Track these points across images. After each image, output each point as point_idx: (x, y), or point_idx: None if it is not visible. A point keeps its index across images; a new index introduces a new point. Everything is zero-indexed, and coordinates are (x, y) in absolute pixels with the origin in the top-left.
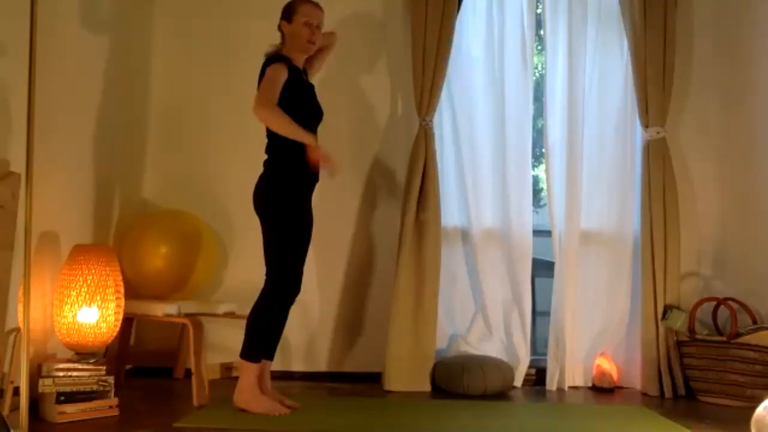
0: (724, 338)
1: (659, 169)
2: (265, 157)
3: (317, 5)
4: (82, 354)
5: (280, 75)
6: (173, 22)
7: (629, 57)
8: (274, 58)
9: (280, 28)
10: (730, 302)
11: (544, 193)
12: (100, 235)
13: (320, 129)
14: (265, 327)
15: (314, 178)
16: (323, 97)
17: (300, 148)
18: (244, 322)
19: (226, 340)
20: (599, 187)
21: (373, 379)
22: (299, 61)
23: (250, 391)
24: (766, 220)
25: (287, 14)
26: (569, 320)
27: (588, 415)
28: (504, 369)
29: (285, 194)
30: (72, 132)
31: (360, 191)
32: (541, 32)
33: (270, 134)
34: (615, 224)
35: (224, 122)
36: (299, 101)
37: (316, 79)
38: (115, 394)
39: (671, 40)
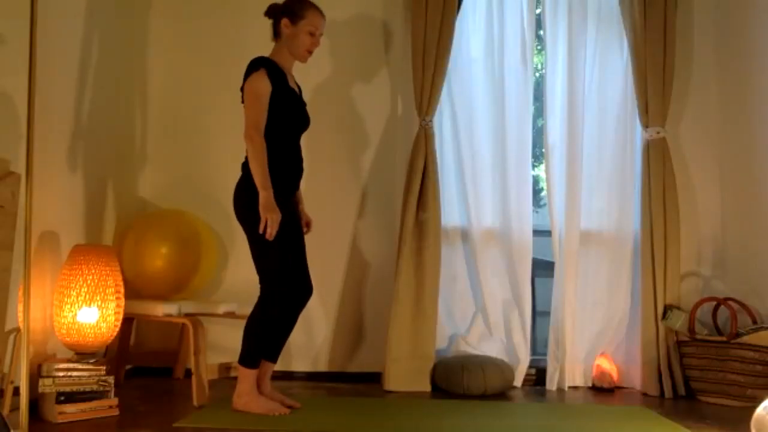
0: (724, 338)
1: (659, 169)
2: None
3: (323, 14)
4: (82, 354)
5: (262, 89)
6: (172, 22)
7: (629, 57)
8: (255, 63)
9: (278, 22)
10: (730, 302)
11: (544, 193)
12: (100, 235)
13: (320, 129)
14: (262, 334)
15: (294, 184)
16: (323, 97)
17: (278, 152)
18: (244, 323)
19: (226, 340)
20: (599, 187)
21: (373, 379)
22: (288, 63)
23: (248, 395)
24: (766, 220)
25: (292, 14)
26: (569, 320)
27: (588, 415)
28: (504, 369)
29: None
30: (72, 132)
31: (360, 191)
32: (541, 32)
33: None
34: (615, 224)
35: (224, 122)
36: (283, 108)
37: (315, 80)
38: (115, 394)
39: (671, 40)
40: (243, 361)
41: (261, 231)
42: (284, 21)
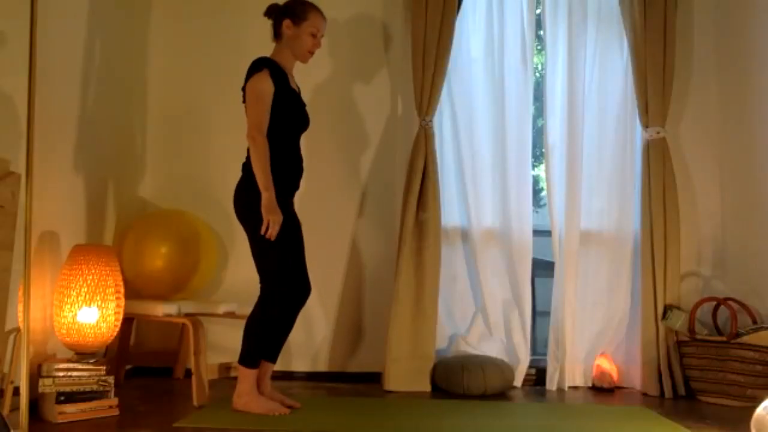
0: (724, 338)
1: (659, 169)
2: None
3: (324, 16)
4: (82, 354)
5: (265, 89)
6: (173, 22)
7: (629, 57)
8: (258, 63)
9: (280, 23)
10: (730, 302)
11: (544, 193)
12: (99, 235)
13: (320, 129)
14: (262, 334)
15: (294, 185)
16: (323, 97)
17: (279, 152)
18: (244, 323)
19: (226, 340)
20: (599, 187)
21: (373, 379)
22: (290, 63)
23: (248, 395)
24: (766, 220)
25: (295, 15)
26: (569, 320)
27: (588, 415)
28: (504, 369)
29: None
30: (72, 132)
31: (360, 191)
32: (541, 32)
33: None
34: (615, 224)
35: (224, 122)
36: (284, 108)
37: (315, 80)
38: (115, 394)
39: (671, 40)
40: (243, 360)
41: (262, 232)
42: (286, 22)
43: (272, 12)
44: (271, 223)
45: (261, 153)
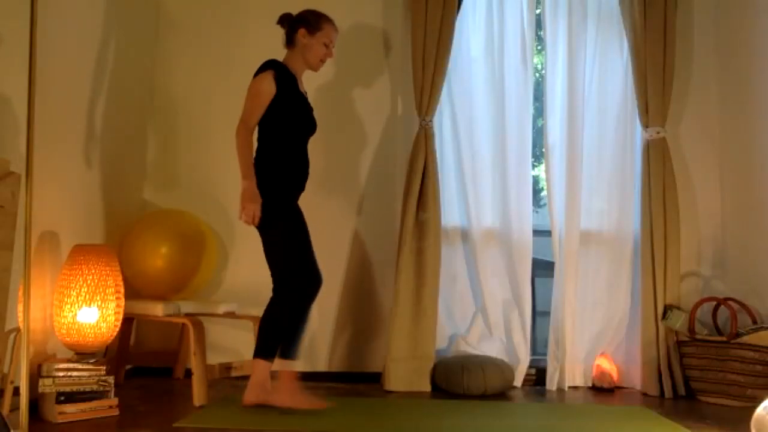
0: (724, 338)
1: (659, 169)
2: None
3: (337, 28)
4: (82, 354)
5: (264, 89)
6: (175, 23)
7: (629, 57)
8: (267, 64)
9: (294, 31)
10: (730, 302)
11: (544, 193)
12: (100, 235)
13: (321, 128)
14: (278, 329)
15: (300, 186)
16: (324, 97)
17: (286, 154)
18: (244, 322)
19: (226, 340)
20: (599, 187)
21: (373, 379)
22: (300, 69)
23: (260, 387)
24: (766, 220)
25: (309, 25)
26: (569, 320)
27: (588, 415)
28: (504, 369)
29: (273, 198)
30: (72, 132)
31: (360, 191)
32: (541, 32)
33: (261, 138)
34: (615, 224)
35: (225, 122)
36: (291, 111)
37: (317, 80)
38: (115, 394)
39: (671, 40)
40: (259, 353)
41: (239, 218)
42: (302, 31)
43: (285, 20)
44: (247, 211)
45: (241, 146)
